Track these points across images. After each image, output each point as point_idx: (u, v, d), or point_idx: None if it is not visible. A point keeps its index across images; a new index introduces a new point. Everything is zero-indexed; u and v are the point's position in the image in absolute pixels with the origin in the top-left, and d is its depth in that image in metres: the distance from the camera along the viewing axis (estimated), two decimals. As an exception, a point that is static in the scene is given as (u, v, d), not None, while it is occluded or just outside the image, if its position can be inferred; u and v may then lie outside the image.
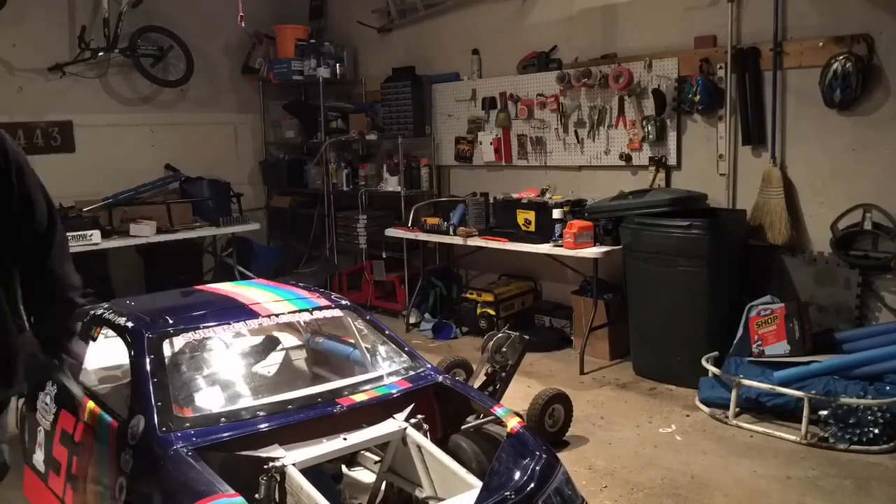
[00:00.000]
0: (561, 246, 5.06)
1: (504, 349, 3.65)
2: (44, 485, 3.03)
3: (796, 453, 3.69)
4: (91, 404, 2.76)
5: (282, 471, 2.32)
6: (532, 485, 2.35)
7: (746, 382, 4.02)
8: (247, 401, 2.73)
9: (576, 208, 5.26)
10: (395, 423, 2.63)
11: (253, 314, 2.97)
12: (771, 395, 3.96)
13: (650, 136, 5.18)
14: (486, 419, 2.78)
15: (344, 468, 2.94)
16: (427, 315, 6.25)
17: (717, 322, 4.50)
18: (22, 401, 3.41)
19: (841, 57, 4.28)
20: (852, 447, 3.66)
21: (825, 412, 3.74)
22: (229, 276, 6.38)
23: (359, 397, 2.71)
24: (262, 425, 2.49)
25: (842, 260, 4.44)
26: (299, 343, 3.61)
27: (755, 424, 3.99)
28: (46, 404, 3.08)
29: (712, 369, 4.27)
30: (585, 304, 5.24)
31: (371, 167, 6.92)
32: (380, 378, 2.87)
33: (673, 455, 3.73)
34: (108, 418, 2.62)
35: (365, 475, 2.92)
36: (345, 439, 2.52)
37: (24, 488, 3.27)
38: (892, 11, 4.22)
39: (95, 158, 6.49)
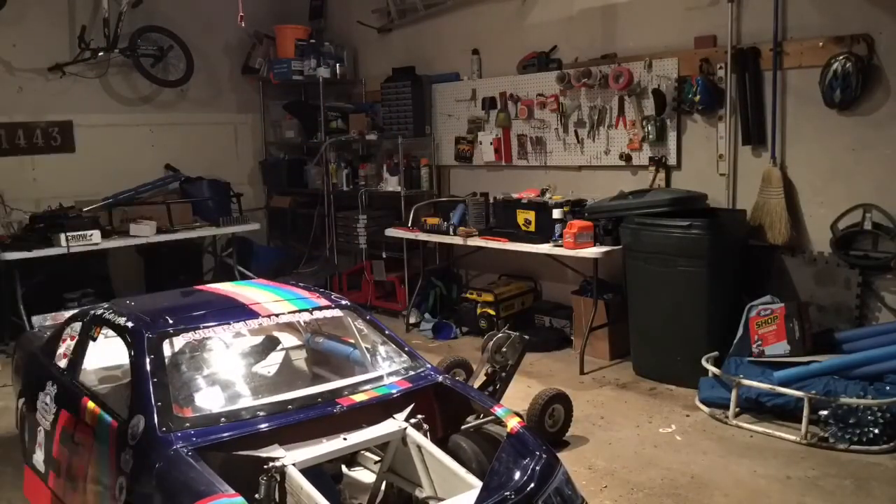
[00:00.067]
0: (561, 246, 5.07)
1: (504, 349, 3.65)
2: (44, 485, 3.03)
3: (796, 453, 3.69)
4: (91, 404, 2.76)
5: (282, 471, 2.32)
6: (532, 485, 2.35)
7: (746, 382, 4.02)
8: (247, 401, 2.73)
9: (576, 208, 5.26)
10: (395, 423, 2.63)
11: (253, 314, 2.97)
12: (771, 395, 3.96)
13: (650, 136, 5.19)
14: (486, 419, 2.78)
15: (344, 468, 2.94)
16: (427, 315, 6.25)
17: (717, 322, 4.50)
18: (22, 401, 3.42)
19: (841, 57, 4.28)
20: (852, 447, 3.66)
21: (825, 412, 3.74)
22: (229, 276, 6.39)
23: (359, 397, 2.71)
24: (262, 425, 2.49)
25: (842, 260, 4.44)
26: (299, 343, 3.61)
27: (755, 424, 3.99)
28: (46, 404, 3.08)
29: (712, 369, 4.27)
30: (585, 304, 5.24)
31: (371, 167, 6.92)
32: (380, 378, 2.87)
33: (673, 455, 3.73)
34: (108, 418, 2.62)
35: (365, 475, 2.92)
36: (345, 439, 2.53)
37: (24, 488, 3.27)
38: (892, 11, 4.22)
39: (95, 158, 6.50)
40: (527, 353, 3.82)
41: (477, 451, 2.69)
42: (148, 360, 2.63)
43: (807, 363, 4.02)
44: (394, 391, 2.79)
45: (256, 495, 2.30)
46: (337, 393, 2.72)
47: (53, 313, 4.31)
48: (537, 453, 2.47)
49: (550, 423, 3.83)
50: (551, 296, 6.06)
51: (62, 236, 5.50)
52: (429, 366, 3.03)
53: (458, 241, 5.73)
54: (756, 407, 4.07)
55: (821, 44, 4.42)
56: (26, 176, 6.22)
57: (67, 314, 3.77)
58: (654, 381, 4.74)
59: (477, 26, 6.32)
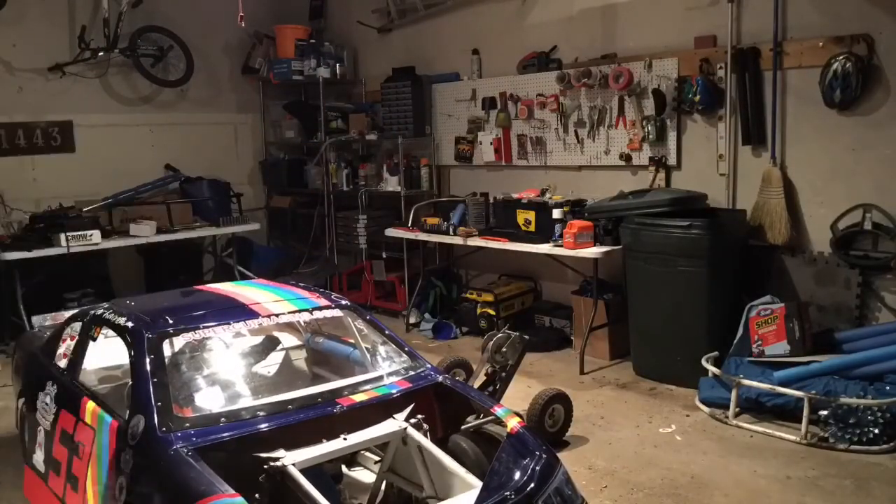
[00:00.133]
0: (561, 246, 5.07)
1: (504, 349, 3.66)
2: (44, 484, 3.03)
3: (796, 453, 3.69)
4: (91, 404, 2.76)
5: (282, 471, 2.32)
6: (532, 485, 2.35)
7: (746, 382, 4.02)
8: (247, 401, 2.74)
9: (576, 208, 5.26)
10: (395, 423, 2.63)
11: (253, 314, 2.97)
12: (771, 395, 3.96)
13: (650, 136, 5.18)
14: (486, 419, 2.78)
15: (344, 468, 2.94)
16: (427, 315, 6.25)
17: (717, 322, 4.50)
18: (22, 401, 3.42)
19: (841, 57, 4.28)
20: (852, 447, 3.66)
21: (825, 412, 3.74)
22: (229, 276, 6.39)
23: (359, 397, 2.71)
24: (263, 425, 2.49)
25: (842, 260, 4.44)
26: (299, 343, 3.61)
27: (755, 424, 3.99)
28: (46, 404, 3.08)
29: (712, 369, 4.27)
30: (585, 304, 5.24)
31: (371, 167, 6.92)
32: (380, 378, 2.87)
33: (673, 455, 3.73)
34: (109, 418, 2.62)
35: (365, 475, 2.92)
36: (345, 439, 2.52)
37: (24, 488, 3.27)
38: (892, 11, 4.22)
39: (95, 158, 6.50)
40: (527, 353, 3.82)
41: (477, 451, 2.69)
42: (148, 360, 2.63)
43: (807, 363, 4.02)
44: (394, 391, 2.79)
45: (256, 495, 2.30)
46: (337, 393, 2.72)
47: (53, 313, 4.31)
48: (537, 453, 2.47)
49: (550, 423, 3.83)
50: (551, 296, 6.06)
51: (62, 236, 5.50)
52: (429, 366, 3.03)
53: (458, 241, 5.73)
54: (756, 407, 4.07)
55: (821, 44, 4.42)
56: (26, 176, 6.22)
57: (67, 314, 3.77)
58: (654, 381, 4.73)
59: (477, 26, 6.32)
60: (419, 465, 2.57)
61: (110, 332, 2.99)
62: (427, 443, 2.58)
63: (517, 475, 2.38)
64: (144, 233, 5.97)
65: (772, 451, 3.73)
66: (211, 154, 7.20)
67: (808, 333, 4.21)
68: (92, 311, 3.19)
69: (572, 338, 5.48)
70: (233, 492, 2.13)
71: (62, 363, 3.23)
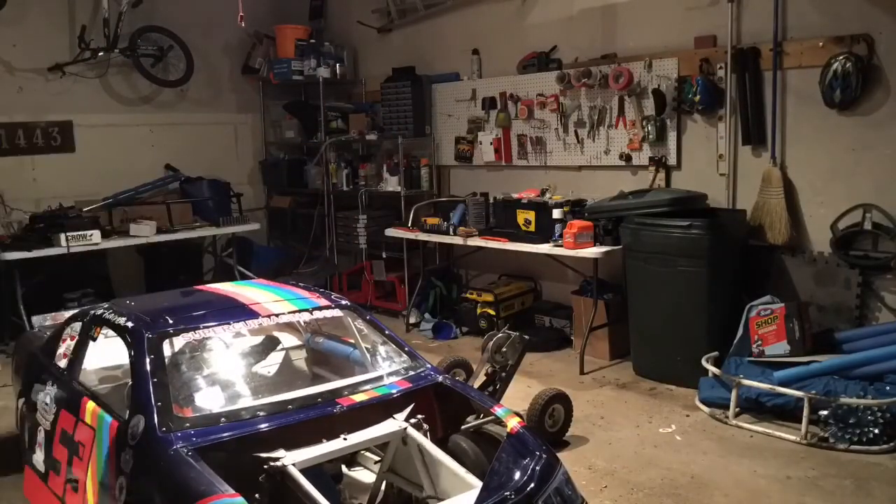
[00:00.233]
0: (561, 246, 5.06)
1: (504, 349, 3.65)
2: (44, 485, 3.03)
3: (796, 453, 3.69)
4: (91, 404, 2.76)
5: (282, 471, 2.32)
6: (532, 485, 2.35)
7: (746, 382, 4.02)
8: (247, 401, 2.73)
9: (576, 208, 5.26)
10: (395, 423, 2.63)
11: (253, 314, 2.97)
12: (771, 395, 3.96)
13: (650, 136, 5.18)
14: (486, 419, 2.78)
15: (344, 468, 2.94)
16: (427, 315, 6.25)
17: (717, 322, 4.50)
18: (22, 401, 3.42)
19: (841, 57, 4.28)
20: (852, 447, 3.66)
21: (825, 412, 3.74)
22: (229, 276, 6.39)
23: (359, 397, 2.71)
24: (263, 425, 2.49)
25: (842, 260, 4.44)
26: (299, 343, 3.61)
27: (755, 424, 3.99)
28: (46, 404, 3.08)
29: (712, 369, 4.27)
30: (585, 304, 5.24)
31: (371, 167, 6.92)
32: (380, 378, 2.87)
33: (673, 455, 3.73)
34: (109, 418, 2.62)
35: (365, 475, 2.92)
36: (345, 439, 2.52)
37: (24, 488, 3.27)
38: (892, 11, 4.22)
39: (95, 158, 6.49)
40: (527, 353, 3.82)
41: (477, 451, 2.69)
42: (148, 360, 2.63)
43: (807, 363, 4.02)
44: (394, 391, 2.79)
45: (256, 495, 2.30)
46: (337, 393, 2.72)
47: (53, 313, 4.31)
48: (537, 453, 2.47)
49: (550, 423, 3.83)
50: (551, 296, 6.06)
51: (62, 236, 5.50)
52: (429, 366, 3.03)
53: (458, 241, 5.73)
54: (756, 407, 4.07)
55: (821, 44, 4.42)
56: (26, 176, 6.22)
57: (67, 314, 3.77)
58: (654, 381, 4.73)
59: (477, 26, 6.32)
60: (419, 465, 2.57)
61: (110, 332, 2.99)
62: (427, 443, 2.58)
63: (517, 475, 2.38)
64: (144, 233, 5.97)
65: (772, 451, 3.73)
66: (211, 154, 7.20)
67: (808, 333, 4.21)
68: (92, 311, 3.19)
69: (572, 338, 5.48)
70: (233, 492, 2.13)
71: (62, 363, 3.22)
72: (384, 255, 6.63)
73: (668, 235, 4.53)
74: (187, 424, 2.44)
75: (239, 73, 7.45)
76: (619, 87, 5.26)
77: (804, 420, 3.78)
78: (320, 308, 3.13)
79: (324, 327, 3.52)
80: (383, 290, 6.88)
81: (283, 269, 6.95)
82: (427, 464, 2.55)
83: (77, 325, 3.26)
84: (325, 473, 2.61)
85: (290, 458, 2.36)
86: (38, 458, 3.09)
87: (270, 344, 3.49)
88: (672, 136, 5.15)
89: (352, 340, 3.29)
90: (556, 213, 5.21)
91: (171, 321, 2.84)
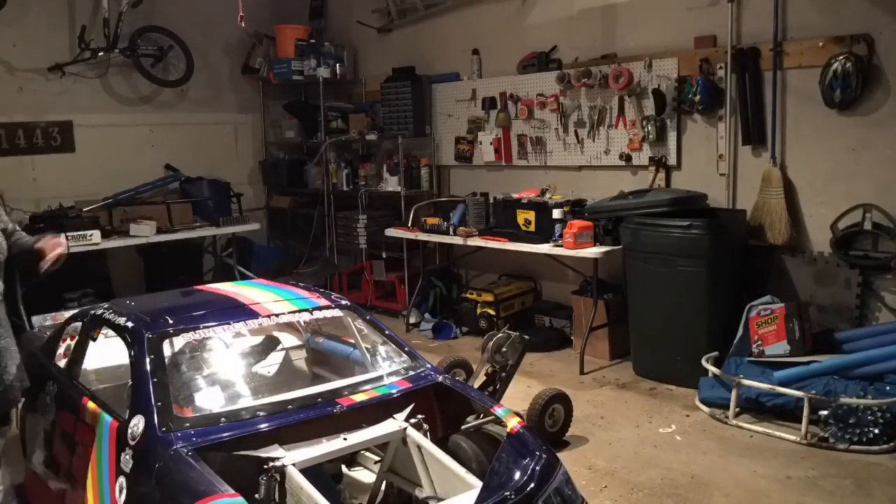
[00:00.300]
0: (561, 246, 5.06)
1: (504, 349, 3.65)
2: (44, 484, 3.03)
3: (796, 453, 3.69)
4: (91, 404, 2.76)
5: (282, 471, 2.32)
6: (532, 485, 2.35)
7: (746, 382, 4.02)
8: (247, 401, 2.73)
9: (576, 208, 5.26)
10: (395, 423, 2.63)
11: (253, 314, 2.96)
12: (771, 395, 3.96)
13: (650, 136, 5.18)
14: (486, 419, 2.78)
15: (344, 468, 2.94)
16: (427, 315, 6.25)
17: (717, 322, 4.50)
18: (22, 400, 3.41)
19: (841, 57, 4.28)
20: (852, 447, 3.66)
21: (825, 412, 3.74)
22: (229, 276, 6.38)
23: (359, 397, 2.71)
24: (262, 425, 2.49)
25: (842, 260, 4.44)
26: (299, 343, 3.61)
27: (755, 424, 3.99)
28: (46, 404, 3.08)
29: (712, 369, 4.27)
30: (585, 304, 5.24)
31: (371, 167, 6.92)
32: (380, 378, 2.86)
33: (673, 455, 3.73)
34: (108, 418, 2.62)
35: (365, 475, 2.92)
36: (345, 439, 2.52)
37: (24, 488, 3.27)
38: (892, 11, 4.22)
39: (95, 158, 6.49)
40: (527, 353, 3.82)
41: (477, 451, 2.68)
42: (148, 360, 2.62)
43: (807, 363, 4.02)
44: (394, 391, 2.79)
45: (256, 495, 2.30)
46: (337, 393, 2.72)
47: (53, 313, 4.32)
48: (537, 453, 2.47)
49: (550, 423, 3.83)
50: (551, 296, 6.06)
51: (62, 236, 5.49)
52: (429, 366, 3.03)
53: (458, 241, 5.73)
54: (756, 407, 4.07)
55: (821, 44, 4.42)
56: (26, 176, 6.21)
57: (67, 314, 3.77)
58: (654, 381, 4.74)
59: (477, 26, 6.32)
60: (419, 465, 2.57)
61: (110, 332, 2.99)
62: (427, 443, 2.58)
63: (517, 475, 2.38)
64: (144, 233, 5.97)
65: (772, 451, 3.73)
66: (211, 154, 7.20)
67: (808, 333, 4.21)
68: (92, 311, 3.19)
69: (572, 338, 5.48)
70: (233, 492, 2.13)
71: (62, 363, 3.22)
72: (384, 255, 6.63)
73: (668, 235, 4.53)
74: (187, 424, 2.44)
75: (239, 73, 7.45)
76: (619, 87, 5.26)
77: (804, 420, 3.78)
78: (320, 308, 3.13)
79: (324, 327, 3.52)
80: (383, 290, 6.88)
81: (283, 269, 6.95)
82: (427, 464, 2.55)
83: (77, 325, 3.26)
84: (325, 473, 2.61)
85: (290, 458, 2.36)
86: (38, 458, 3.09)
87: (270, 344, 3.48)
88: (672, 136, 5.15)
89: (352, 340, 3.28)
90: (556, 213, 5.21)
91: (171, 321, 2.84)
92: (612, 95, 5.40)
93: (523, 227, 5.41)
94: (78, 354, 3.10)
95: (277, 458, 2.34)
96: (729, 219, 4.79)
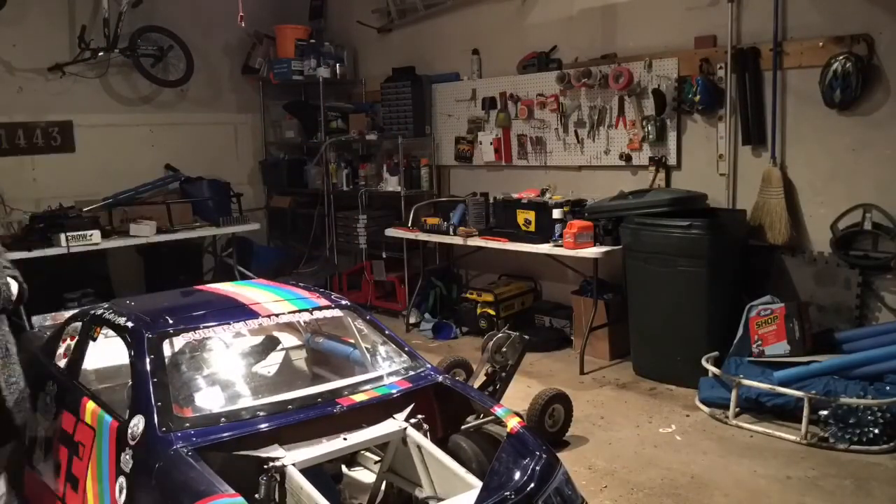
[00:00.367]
0: (561, 246, 5.07)
1: (504, 349, 3.65)
2: (44, 485, 3.03)
3: (796, 453, 3.69)
4: (91, 404, 2.76)
5: (282, 471, 2.32)
6: (532, 485, 2.35)
7: (746, 382, 4.02)
8: (247, 401, 2.73)
9: (576, 208, 5.26)
10: (395, 423, 2.63)
11: (253, 314, 2.96)
12: (771, 395, 3.96)
13: (650, 136, 5.18)
14: (486, 419, 2.78)
15: (344, 468, 2.94)
16: (427, 315, 6.25)
17: (717, 322, 4.50)
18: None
19: (841, 57, 4.28)
20: (852, 447, 3.66)
21: (825, 412, 3.74)
22: (229, 276, 6.38)
23: (359, 397, 2.71)
24: (262, 425, 2.49)
25: (842, 260, 4.44)
26: (299, 343, 3.61)
27: (755, 424, 3.99)
28: (47, 404, 3.08)
29: (712, 369, 4.27)
30: (585, 304, 5.24)
31: (371, 167, 6.92)
32: (380, 378, 2.86)
33: (673, 455, 3.73)
34: (109, 418, 2.61)
35: (365, 475, 2.92)
36: (345, 439, 2.52)
37: (24, 488, 3.27)
38: (892, 11, 4.22)
39: (95, 158, 6.49)
40: (527, 353, 3.82)
41: (477, 451, 2.68)
42: (148, 360, 2.62)
43: (807, 363, 4.02)
44: (394, 391, 2.79)
45: (256, 495, 2.30)
46: (337, 393, 2.72)
47: (53, 313, 4.31)
48: (537, 453, 2.47)
49: (550, 423, 3.83)
50: (551, 296, 6.06)
51: (62, 236, 5.49)
52: (429, 366, 3.02)
53: (458, 241, 5.73)
54: (756, 407, 4.07)
55: (821, 44, 4.42)
56: (26, 176, 6.21)
57: (67, 314, 3.77)
58: (654, 381, 4.74)
59: (477, 26, 6.32)
60: (419, 465, 2.57)
61: (110, 332, 2.99)
62: (427, 443, 2.58)
63: (517, 475, 2.38)
64: (144, 233, 5.97)
65: (772, 451, 3.73)
66: (211, 154, 7.20)
67: (808, 333, 4.21)
68: (92, 311, 3.19)
69: (572, 338, 5.48)
70: (233, 492, 2.13)
71: (62, 363, 3.22)
72: (384, 255, 6.63)
73: (668, 235, 4.53)
74: (187, 424, 2.44)
75: (239, 73, 7.45)
76: (619, 87, 5.26)
77: (804, 420, 3.78)
78: (320, 308, 3.12)
79: (324, 327, 3.52)
80: (383, 290, 6.88)
81: (283, 269, 6.95)
82: (427, 464, 2.55)
83: (77, 325, 3.25)
84: (325, 473, 2.61)
85: (290, 458, 2.36)
86: (38, 458, 3.09)
87: (270, 344, 3.48)
88: (672, 136, 5.15)
89: (352, 340, 3.28)
90: (556, 213, 5.21)
91: (171, 321, 2.84)
92: (612, 95, 5.40)
93: (523, 227, 5.41)
94: (78, 354, 3.10)
95: (277, 458, 2.34)
96: (729, 219, 4.79)
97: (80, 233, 5.59)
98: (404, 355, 3.04)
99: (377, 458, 2.84)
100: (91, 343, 3.08)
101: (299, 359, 3.56)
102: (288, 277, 6.04)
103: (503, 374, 3.68)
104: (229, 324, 2.89)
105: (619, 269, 5.14)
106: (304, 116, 7.32)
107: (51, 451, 2.98)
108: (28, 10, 6.15)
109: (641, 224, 4.67)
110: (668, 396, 4.52)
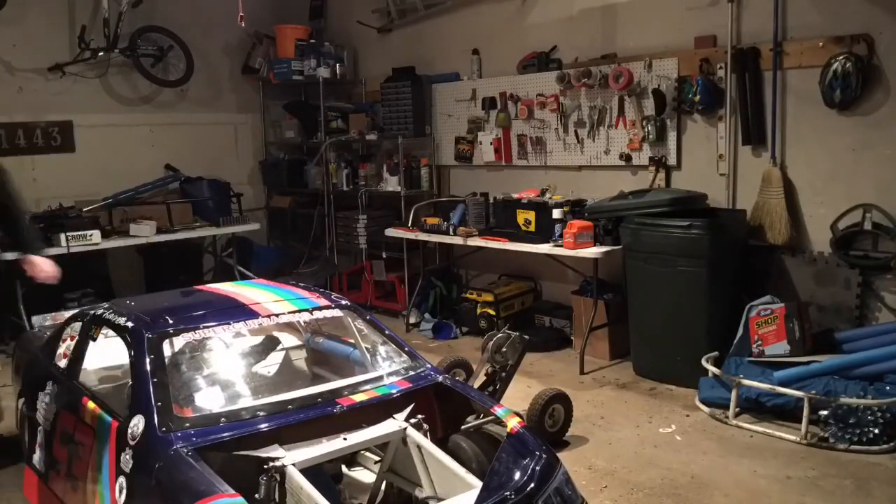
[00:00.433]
0: (561, 246, 5.06)
1: (504, 349, 3.65)
2: (44, 485, 3.03)
3: (796, 453, 3.69)
4: (91, 404, 2.76)
5: (282, 471, 2.32)
6: (532, 485, 2.35)
7: (746, 382, 4.02)
8: (247, 401, 2.73)
9: (576, 208, 5.25)
10: (395, 423, 2.63)
11: (253, 314, 2.96)
12: (771, 395, 3.96)
13: (650, 136, 5.18)
14: (486, 419, 2.78)
15: (344, 468, 2.94)
16: (427, 315, 6.25)
17: (717, 322, 4.50)
18: (22, 401, 3.42)
19: (841, 57, 4.28)
20: (852, 447, 3.66)
21: (825, 412, 3.74)
22: (229, 276, 6.39)
23: (359, 397, 2.71)
24: (262, 425, 2.49)
25: (842, 260, 4.44)
26: (299, 343, 3.61)
27: (755, 424, 3.99)
28: (46, 404, 3.08)
29: (712, 369, 4.27)
30: (585, 304, 5.24)
31: (371, 167, 6.92)
32: (380, 378, 2.86)
33: (673, 455, 3.73)
34: (109, 418, 2.62)
35: (365, 475, 2.92)
36: (345, 439, 2.52)
37: (24, 488, 3.27)
38: (892, 11, 4.23)
39: (95, 158, 6.49)
40: (527, 353, 3.82)
41: (477, 451, 2.68)
42: (148, 360, 2.62)
43: (807, 363, 4.02)
44: (394, 391, 2.79)
45: (256, 495, 2.30)
46: (337, 393, 2.72)
47: (53, 313, 4.31)
48: (537, 453, 2.47)
49: (550, 423, 3.83)
50: (551, 296, 6.06)
51: (62, 236, 5.50)
52: (429, 366, 3.03)
53: (458, 241, 5.73)
54: (756, 407, 4.07)
55: (821, 44, 4.42)
56: (26, 176, 6.20)
57: (67, 314, 3.77)
58: (654, 381, 4.74)
59: (477, 26, 6.32)
60: (419, 466, 2.57)
61: (110, 332, 2.99)
62: (427, 443, 2.58)
63: (517, 475, 2.38)
64: (144, 233, 5.97)
65: (772, 451, 3.73)
66: (211, 154, 7.20)
67: (808, 333, 4.21)
68: (92, 311, 3.19)
69: (572, 338, 5.48)
70: (233, 492, 2.13)
71: (62, 363, 3.22)
72: (384, 255, 6.63)
73: (668, 235, 4.53)
74: (187, 424, 2.44)
75: (239, 73, 7.45)
76: (619, 87, 5.26)
77: (804, 420, 3.78)
78: (320, 308, 3.13)
79: (324, 327, 3.52)
80: (383, 290, 6.88)
81: (283, 269, 6.95)
82: (427, 464, 2.55)
83: (77, 325, 3.26)
84: (325, 473, 2.61)
85: (290, 459, 2.36)
86: (38, 458, 3.09)
87: (270, 344, 3.48)
88: (672, 136, 5.15)
89: (352, 340, 3.28)
90: (556, 213, 5.21)
91: (171, 321, 2.84)
92: (612, 95, 5.40)
93: (523, 227, 5.41)
94: (78, 354, 3.10)
95: (277, 458, 2.34)
96: (729, 219, 4.79)
97: (80, 233, 5.59)
98: (404, 355, 3.04)
99: (377, 458, 2.84)
100: (91, 343, 3.08)
101: (299, 359, 3.57)
102: (288, 277, 6.04)
103: (503, 374, 3.68)
104: (229, 324, 2.90)
105: (619, 269, 5.14)
106: (304, 116, 7.32)
107: (51, 452, 2.98)
108: (28, 10, 6.15)
109: (641, 224, 4.67)
110: (668, 396, 4.52)
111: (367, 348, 3.17)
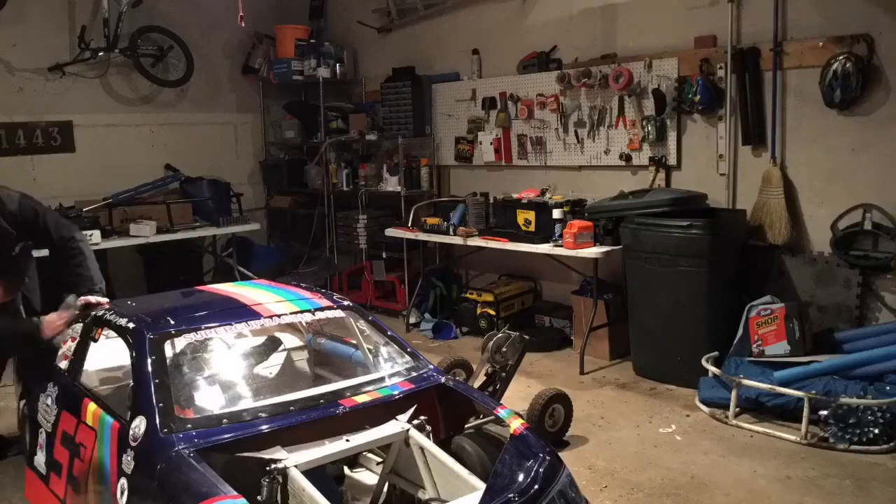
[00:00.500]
0: (561, 246, 5.07)
1: (504, 349, 3.65)
2: (45, 486, 3.03)
3: (796, 453, 3.70)
4: (92, 405, 2.76)
5: (284, 472, 2.32)
6: (536, 487, 2.34)
7: (746, 382, 4.03)
8: (249, 402, 2.73)
9: (576, 208, 5.26)
10: (397, 425, 2.63)
11: (255, 315, 2.96)
12: (771, 395, 3.97)
13: (650, 136, 5.19)
14: (489, 420, 2.78)
15: (346, 469, 2.95)
16: (427, 315, 6.25)
17: (717, 322, 4.50)
18: (23, 402, 3.42)
19: (841, 57, 4.28)
20: (852, 447, 3.67)
21: (825, 412, 3.74)
22: (229, 276, 6.38)
23: (361, 398, 2.71)
24: (265, 426, 2.49)
25: (842, 260, 4.45)
26: (301, 344, 3.61)
27: (755, 424, 4.00)
28: (48, 406, 3.08)
29: (712, 369, 4.27)
30: (585, 304, 5.24)
31: (371, 167, 6.92)
32: (382, 379, 2.86)
33: (673, 455, 3.74)
34: (110, 420, 2.62)
35: (367, 476, 2.92)
36: (347, 441, 2.52)
37: (25, 490, 3.27)
38: (892, 11, 4.23)
39: (95, 158, 6.49)
40: (527, 353, 3.81)
41: (480, 453, 2.69)
42: (149, 361, 2.62)
43: (807, 363, 4.03)
44: (396, 392, 2.79)
45: (259, 497, 2.30)
46: (339, 394, 2.72)
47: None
48: (541, 455, 2.46)
49: (550, 423, 3.83)
50: (551, 296, 6.06)
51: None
52: (431, 367, 3.03)
53: (458, 241, 5.73)
54: (756, 407, 4.07)
55: (821, 44, 4.42)
56: (26, 176, 6.20)
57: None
58: (654, 381, 4.74)
59: (477, 26, 6.32)
60: (422, 467, 2.57)
61: (111, 333, 2.99)
62: (430, 444, 2.58)
63: (521, 477, 2.38)
64: (144, 233, 5.97)
65: (772, 451, 3.73)
66: (211, 154, 7.20)
67: (808, 333, 4.22)
68: (93, 312, 3.19)
69: (572, 338, 5.48)
70: (235, 493, 2.13)
71: (63, 364, 3.22)
72: (384, 255, 6.63)
73: (668, 235, 4.53)
74: (189, 426, 2.44)
75: (239, 73, 7.44)
76: (619, 87, 5.26)
77: (804, 420, 3.78)
78: (322, 309, 3.13)
79: (325, 328, 3.52)
80: (383, 290, 6.88)
81: (283, 270, 6.95)
82: (430, 465, 2.55)
83: (78, 326, 3.26)
84: (328, 475, 2.62)
85: (293, 460, 2.36)
86: (40, 459, 3.09)
87: (272, 345, 3.49)
88: (672, 136, 5.15)
89: (354, 341, 3.29)
90: (556, 213, 5.21)
91: (172, 322, 2.84)
92: (612, 95, 5.41)
93: (523, 227, 5.41)
94: (79, 356, 3.10)
95: (280, 460, 2.34)
96: (729, 219, 4.80)
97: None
98: (406, 356, 3.04)
99: (379, 460, 2.85)
100: (92, 344, 3.08)
101: (301, 360, 3.57)
102: (288, 277, 6.04)
103: (503, 374, 3.68)
104: (231, 324, 2.90)
105: (619, 269, 5.15)
106: (304, 116, 7.32)
107: (52, 453, 2.98)
108: (28, 10, 6.14)
109: (641, 224, 4.68)
110: (668, 396, 4.52)
111: (369, 349, 3.18)
